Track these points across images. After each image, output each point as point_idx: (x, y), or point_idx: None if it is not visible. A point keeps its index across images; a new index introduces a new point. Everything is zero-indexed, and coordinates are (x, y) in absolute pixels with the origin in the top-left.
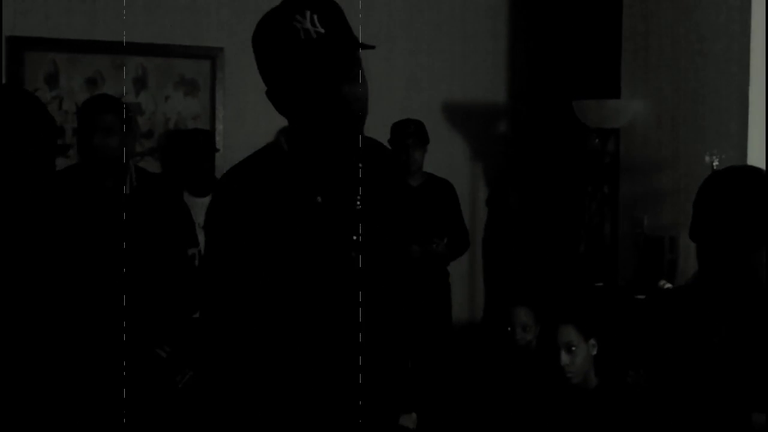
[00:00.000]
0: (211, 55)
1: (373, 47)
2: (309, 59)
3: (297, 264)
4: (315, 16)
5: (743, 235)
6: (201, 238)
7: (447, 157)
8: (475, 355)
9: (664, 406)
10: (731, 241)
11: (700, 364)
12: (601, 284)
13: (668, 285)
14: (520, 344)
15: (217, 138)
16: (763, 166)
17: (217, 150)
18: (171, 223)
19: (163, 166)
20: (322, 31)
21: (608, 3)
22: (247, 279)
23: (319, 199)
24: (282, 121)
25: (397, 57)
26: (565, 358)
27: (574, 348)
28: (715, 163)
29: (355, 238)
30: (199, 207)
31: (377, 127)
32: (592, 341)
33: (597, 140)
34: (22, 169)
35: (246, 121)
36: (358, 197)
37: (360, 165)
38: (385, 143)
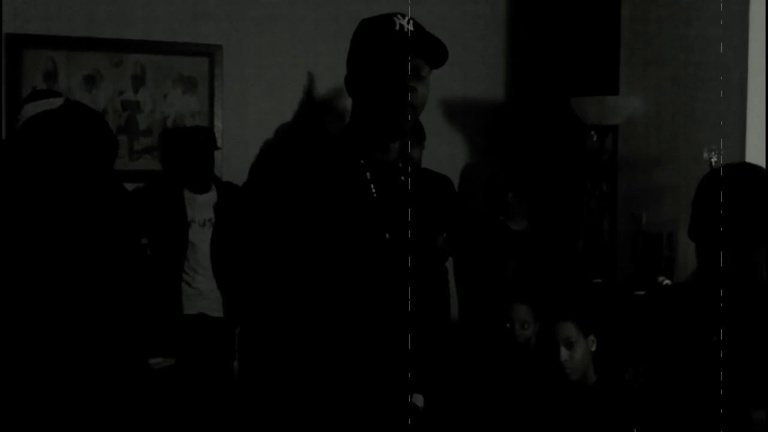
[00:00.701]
0: (210, 53)
1: (445, 61)
2: (397, 45)
3: (338, 250)
4: (411, 21)
5: (743, 233)
6: (202, 233)
7: (445, 154)
8: (471, 351)
9: (663, 402)
10: (731, 240)
11: (699, 362)
12: (599, 280)
13: (667, 281)
14: (519, 341)
15: (216, 135)
16: (761, 163)
17: (218, 147)
18: (119, 216)
19: (162, 164)
20: (413, 30)
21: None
22: (289, 260)
23: (373, 188)
24: (278, 119)
25: None
26: (564, 353)
27: (573, 344)
28: (714, 159)
29: (394, 220)
30: (199, 204)
31: None
32: (592, 337)
33: (595, 138)
34: (84, 184)
35: (244, 118)
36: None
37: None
38: None
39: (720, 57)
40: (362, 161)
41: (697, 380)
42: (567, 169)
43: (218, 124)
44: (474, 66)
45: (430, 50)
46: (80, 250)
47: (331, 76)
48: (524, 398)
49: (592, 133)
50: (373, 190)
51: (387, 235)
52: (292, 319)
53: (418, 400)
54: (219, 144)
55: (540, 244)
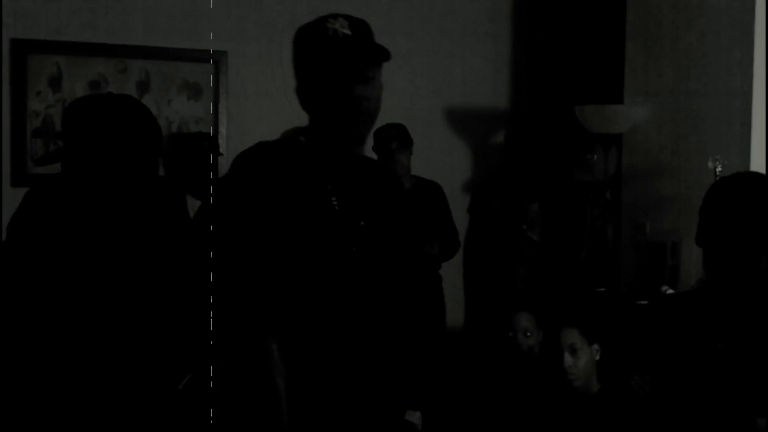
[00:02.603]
0: (215, 59)
1: (389, 58)
2: (331, 53)
3: (302, 255)
4: (346, 22)
5: (750, 241)
6: None
7: (447, 162)
8: (469, 359)
9: (668, 410)
10: (738, 248)
11: (704, 369)
12: (603, 289)
13: (670, 291)
14: (522, 349)
15: (220, 141)
16: (765, 171)
17: (221, 154)
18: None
19: (165, 170)
20: (349, 33)
21: (611, 8)
22: (254, 264)
23: (334, 201)
24: (284, 125)
25: (398, 61)
26: (568, 359)
27: (577, 350)
28: (718, 169)
29: (358, 232)
30: None
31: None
32: (596, 346)
33: (594, 156)
34: (127, 179)
35: (249, 124)
36: (366, 200)
37: (366, 173)
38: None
39: (724, 66)
40: (325, 174)
41: (702, 388)
42: (571, 178)
43: (222, 130)
44: (478, 74)
45: (371, 51)
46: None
47: None
48: (527, 406)
49: (593, 155)
50: (335, 203)
51: (353, 248)
52: (271, 334)
53: (416, 417)
54: (222, 150)
55: (551, 253)
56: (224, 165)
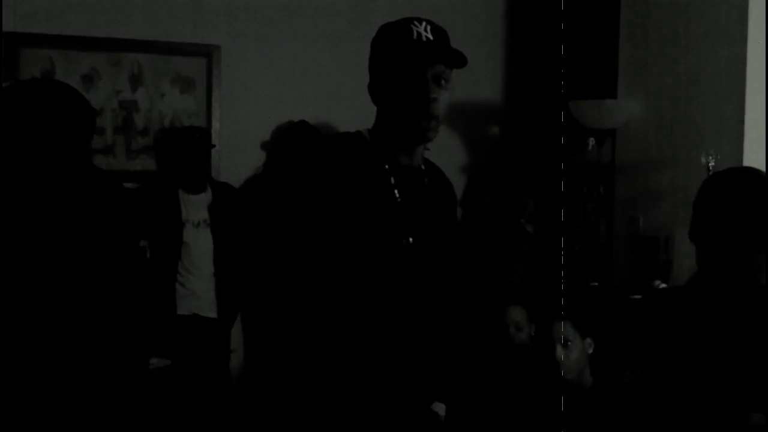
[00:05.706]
0: (208, 53)
1: (465, 63)
2: (414, 54)
3: (360, 247)
4: (429, 27)
5: (744, 237)
6: (196, 234)
7: (442, 158)
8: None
9: (661, 406)
10: (731, 244)
11: (697, 365)
12: (596, 284)
13: (663, 285)
14: (513, 343)
15: (213, 135)
16: (759, 167)
17: (213, 146)
18: (120, 216)
19: (158, 164)
20: (432, 38)
21: (606, 3)
22: (314, 260)
23: (397, 193)
24: (276, 119)
25: None
26: (559, 352)
27: (569, 343)
28: (711, 163)
29: (411, 228)
30: (194, 204)
31: (370, 124)
32: (589, 340)
33: (592, 145)
34: (60, 164)
35: (242, 119)
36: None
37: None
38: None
39: (718, 61)
40: (387, 166)
41: (695, 383)
42: (564, 172)
43: (215, 124)
44: (472, 69)
45: (450, 57)
46: (72, 245)
47: (328, 76)
48: (520, 400)
49: (591, 140)
50: (397, 195)
51: (410, 239)
52: (310, 322)
53: (440, 408)
54: (215, 144)
55: (544, 247)
56: (216, 158)
